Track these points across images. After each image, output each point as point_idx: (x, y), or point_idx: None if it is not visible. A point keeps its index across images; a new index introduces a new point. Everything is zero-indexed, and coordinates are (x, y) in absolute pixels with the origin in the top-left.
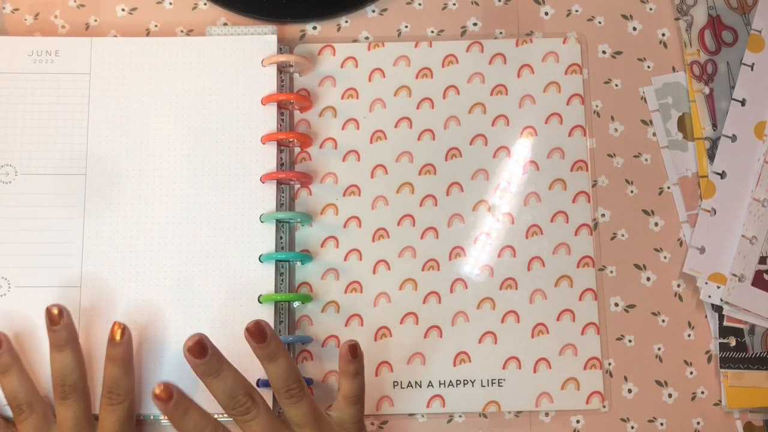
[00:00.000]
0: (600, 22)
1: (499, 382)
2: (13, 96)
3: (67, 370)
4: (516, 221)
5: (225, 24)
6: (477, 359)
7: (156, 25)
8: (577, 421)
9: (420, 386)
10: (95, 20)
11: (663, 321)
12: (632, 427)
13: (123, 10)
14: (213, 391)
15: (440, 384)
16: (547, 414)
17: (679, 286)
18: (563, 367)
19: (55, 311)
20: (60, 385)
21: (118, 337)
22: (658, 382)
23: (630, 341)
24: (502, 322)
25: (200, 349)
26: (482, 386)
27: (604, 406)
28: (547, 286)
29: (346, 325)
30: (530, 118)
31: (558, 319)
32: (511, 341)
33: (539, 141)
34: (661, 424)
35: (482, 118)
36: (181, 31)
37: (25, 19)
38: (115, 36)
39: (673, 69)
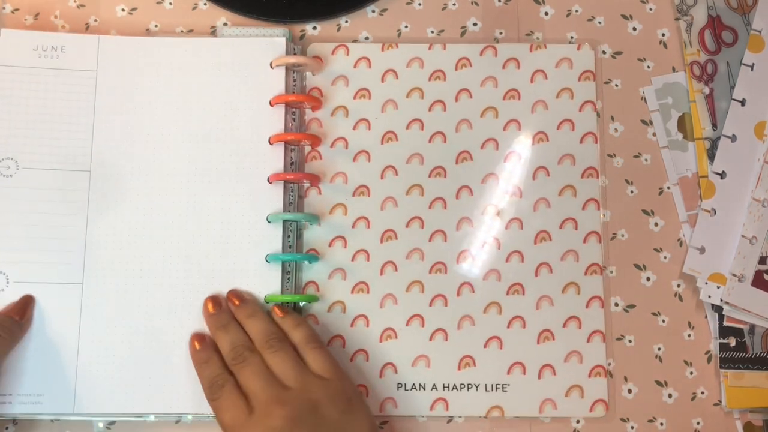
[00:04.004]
0: (600, 23)
1: (503, 387)
2: (16, 89)
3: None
4: (525, 227)
5: (225, 24)
6: (482, 364)
7: (156, 25)
8: (577, 422)
9: (424, 389)
10: (95, 20)
11: (663, 321)
12: (632, 427)
13: (123, 10)
14: (220, 342)
15: (444, 387)
16: None
17: (679, 286)
18: (568, 374)
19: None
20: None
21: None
22: (658, 383)
23: (630, 341)
24: (508, 327)
25: (214, 303)
26: (486, 391)
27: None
28: (554, 293)
29: (351, 326)
30: (542, 123)
31: (564, 326)
32: (517, 347)
33: (550, 147)
34: (661, 424)
35: (494, 122)
36: (181, 31)
37: (25, 19)
38: (115, 36)
39: (673, 69)
